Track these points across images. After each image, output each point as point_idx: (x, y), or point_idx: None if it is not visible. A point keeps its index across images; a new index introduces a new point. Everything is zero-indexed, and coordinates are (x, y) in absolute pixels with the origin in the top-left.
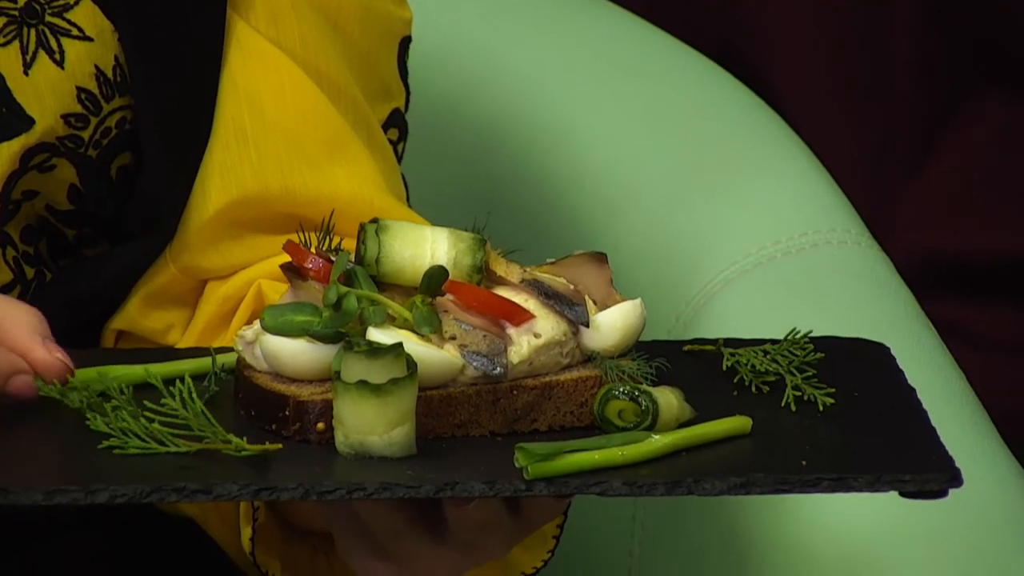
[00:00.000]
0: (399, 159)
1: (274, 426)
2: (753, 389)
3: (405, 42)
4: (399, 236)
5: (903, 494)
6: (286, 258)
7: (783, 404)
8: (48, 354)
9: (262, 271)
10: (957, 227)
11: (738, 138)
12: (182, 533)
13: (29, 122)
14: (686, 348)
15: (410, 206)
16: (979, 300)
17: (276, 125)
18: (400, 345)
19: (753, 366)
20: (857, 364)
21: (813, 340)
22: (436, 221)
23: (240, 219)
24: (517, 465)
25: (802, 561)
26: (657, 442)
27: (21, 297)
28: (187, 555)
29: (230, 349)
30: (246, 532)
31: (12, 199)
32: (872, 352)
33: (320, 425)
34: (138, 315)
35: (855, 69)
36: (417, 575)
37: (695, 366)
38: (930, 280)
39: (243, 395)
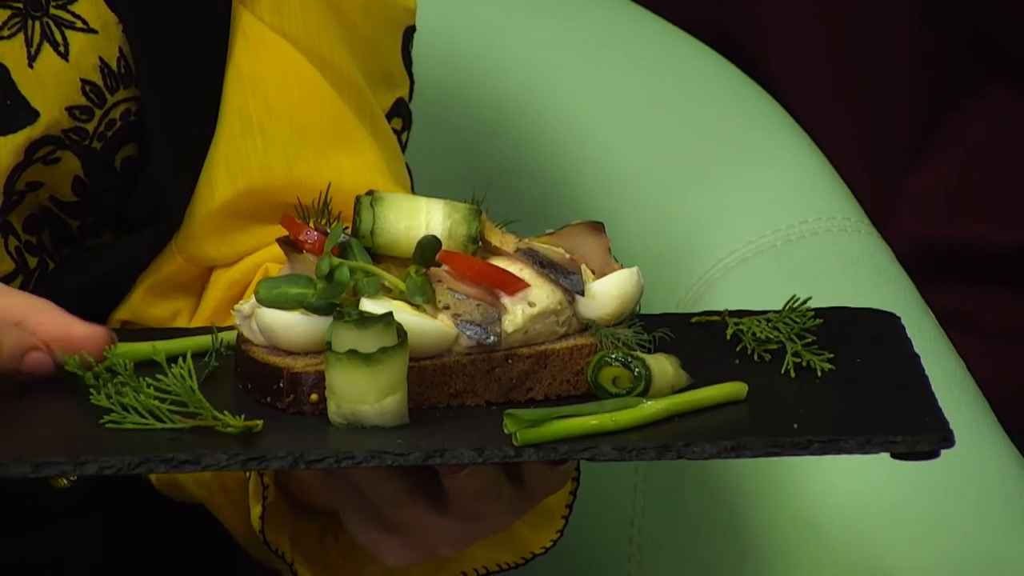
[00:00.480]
0: (403, 148)
1: (269, 398)
2: (755, 357)
3: (409, 31)
4: (394, 207)
5: (894, 455)
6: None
7: (783, 371)
8: (88, 327)
9: (268, 255)
10: (957, 216)
11: (738, 126)
12: (186, 520)
13: (34, 114)
14: (694, 320)
15: (414, 192)
16: (979, 288)
17: (281, 113)
18: (390, 314)
19: (755, 334)
20: (864, 332)
21: (822, 310)
22: None
23: (246, 209)
24: (506, 431)
25: (803, 540)
26: (649, 408)
27: (24, 287)
28: (191, 541)
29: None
30: (256, 510)
31: (16, 190)
32: (881, 321)
33: (314, 396)
34: (143, 304)
35: (854, 60)
36: (422, 546)
37: (699, 336)
38: (930, 268)
39: (240, 369)
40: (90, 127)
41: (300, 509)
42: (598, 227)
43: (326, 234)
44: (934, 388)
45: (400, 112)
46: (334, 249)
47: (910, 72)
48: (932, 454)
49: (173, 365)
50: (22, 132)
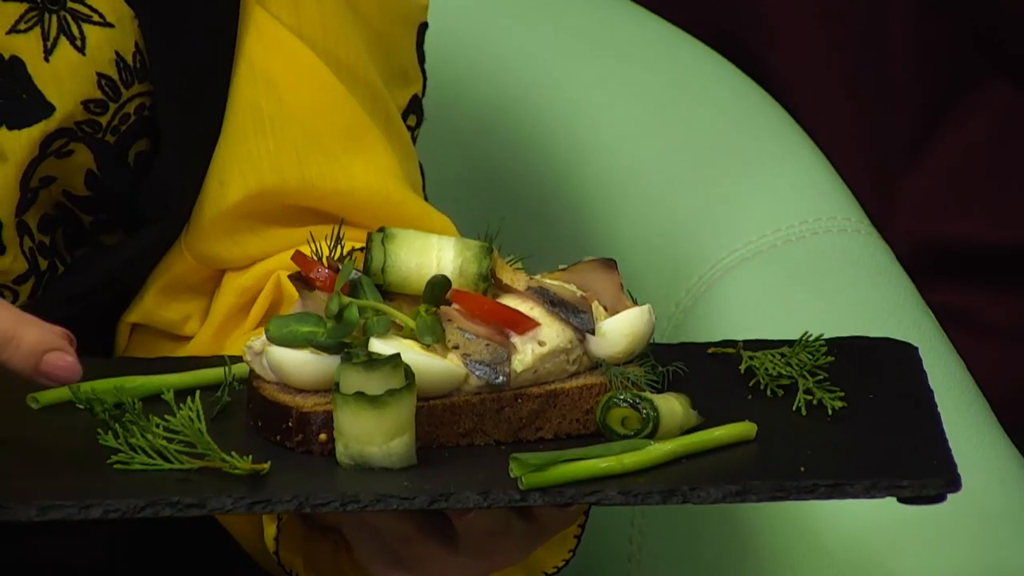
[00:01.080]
0: (414, 144)
1: (279, 437)
2: (768, 393)
3: (422, 28)
4: (405, 245)
5: (901, 500)
6: (305, 250)
7: (794, 408)
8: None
9: (280, 263)
10: (957, 215)
11: (739, 126)
12: (193, 525)
13: (49, 108)
14: (710, 351)
15: (425, 192)
16: (979, 288)
17: (293, 115)
18: (398, 356)
19: (767, 369)
20: (880, 365)
21: (839, 340)
22: (439, 206)
23: (257, 211)
24: (512, 475)
25: (803, 540)
26: (656, 450)
27: (34, 289)
28: (197, 545)
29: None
30: (270, 531)
31: (31, 187)
32: (898, 352)
33: (322, 436)
34: (155, 306)
35: (855, 58)
36: None
37: (714, 369)
38: (930, 268)
39: (252, 405)
40: (104, 120)
41: (312, 527)
42: (610, 264)
43: (337, 270)
44: (934, 389)
45: (415, 109)
46: (344, 287)
47: (910, 70)
48: (938, 498)
49: (182, 404)
50: (37, 126)
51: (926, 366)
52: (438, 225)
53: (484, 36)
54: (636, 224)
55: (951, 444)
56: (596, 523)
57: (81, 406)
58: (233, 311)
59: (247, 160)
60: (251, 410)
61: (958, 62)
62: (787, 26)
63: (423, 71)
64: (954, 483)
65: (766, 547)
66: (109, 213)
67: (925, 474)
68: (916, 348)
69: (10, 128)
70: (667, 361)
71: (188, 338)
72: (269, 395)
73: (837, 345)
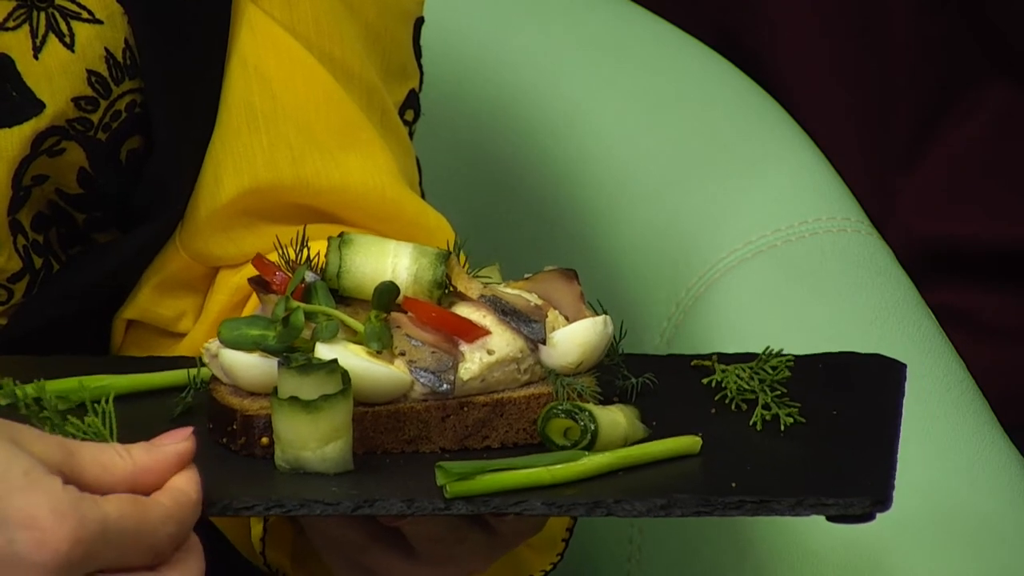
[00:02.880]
0: (411, 138)
1: (224, 440)
2: (733, 407)
3: (419, 22)
4: (362, 250)
5: (830, 518)
6: (272, 256)
7: (751, 423)
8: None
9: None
10: (957, 214)
11: (738, 126)
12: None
13: (40, 106)
14: (693, 363)
15: (422, 187)
16: (979, 287)
17: (288, 112)
18: (335, 361)
19: (734, 382)
20: (859, 381)
21: (830, 355)
22: (440, 205)
23: (252, 208)
24: (438, 483)
25: (803, 540)
26: (589, 462)
27: (30, 287)
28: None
29: None
30: (256, 531)
31: (23, 185)
32: (885, 370)
33: (264, 440)
34: (149, 303)
35: (855, 58)
36: None
37: (685, 383)
38: (930, 267)
39: (207, 408)
40: (95, 118)
41: (301, 527)
42: (570, 274)
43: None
44: (933, 388)
45: (412, 103)
46: (297, 292)
47: (910, 69)
48: (866, 517)
49: (96, 405)
50: (28, 124)
51: (926, 366)
52: (433, 222)
53: (484, 36)
54: (636, 223)
55: (950, 444)
56: (596, 523)
57: (2, 401)
58: (227, 309)
59: (241, 157)
60: (207, 412)
61: (958, 61)
62: (787, 26)
63: (420, 66)
64: (883, 502)
65: (766, 547)
66: (102, 211)
67: (853, 493)
68: (905, 366)
69: (0, 126)
70: (640, 372)
71: (183, 335)
72: (220, 397)
73: (822, 360)
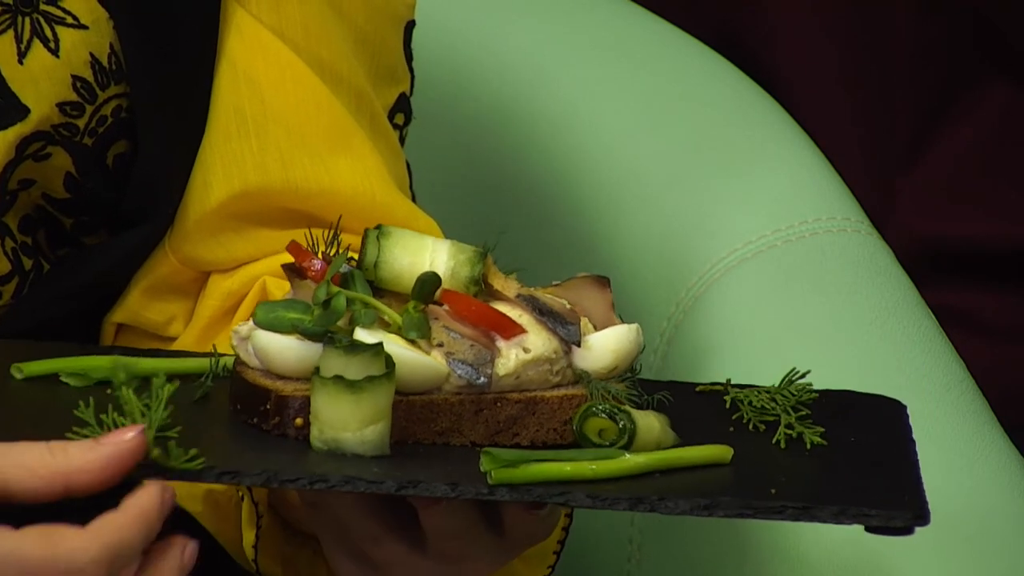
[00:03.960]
0: (403, 143)
1: (255, 419)
2: (751, 427)
3: (410, 26)
4: (400, 243)
5: (868, 529)
6: (291, 257)
7: (774, 441)
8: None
9: (267, 268)
10: (957, 214)
11: (738, 126)
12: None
13: (24, 111)
14: (699, 388)
15: (413, 191)
16: (979, 287)
17: (277, 116)
18: (380, 344)
19: (752, 403)
20: (866, 415)
21: (829, 393)
22: (437, 207)
23: (242, 212)
24: (482, 469)
25: (803, 540)
26: (629, 460)
27: (19, 288)
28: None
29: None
30: (248, 537)
31: (9, 189)
32: (886, 408)
33: (298, 420)
34: (139, 307)
35: (855, 58)
36: None
37: (700, 404)
38: (930, 267)
39: (234, 390)
40: (81, 123)
41: (292, 534)
42: (603, 281)
43: (331, 263)
44: (933, 389)
45: (403, 107)
46: (335, 278)
47: (910, 70)
48: (906, 530)
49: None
50: (12, 129)
51: (926, 366)
52: (424, 227)
53: (484, 36)
54: (636, 224)
55: (950, 444)
56: (596, 523)
57: (71, 381)
58: (218, 314)
59: (231, 161)
60: (233, 394)
61: (958, 61)
62: (787, 26)
63: (411, 69)
64: (922, 517)
65: (766, 547)
66: (90, 215)
67: (894, 506)
68: (905, 406)
69: None
70: (653, 391)
71: (172, 339)
72: (251, 378)
73: (824, 396)
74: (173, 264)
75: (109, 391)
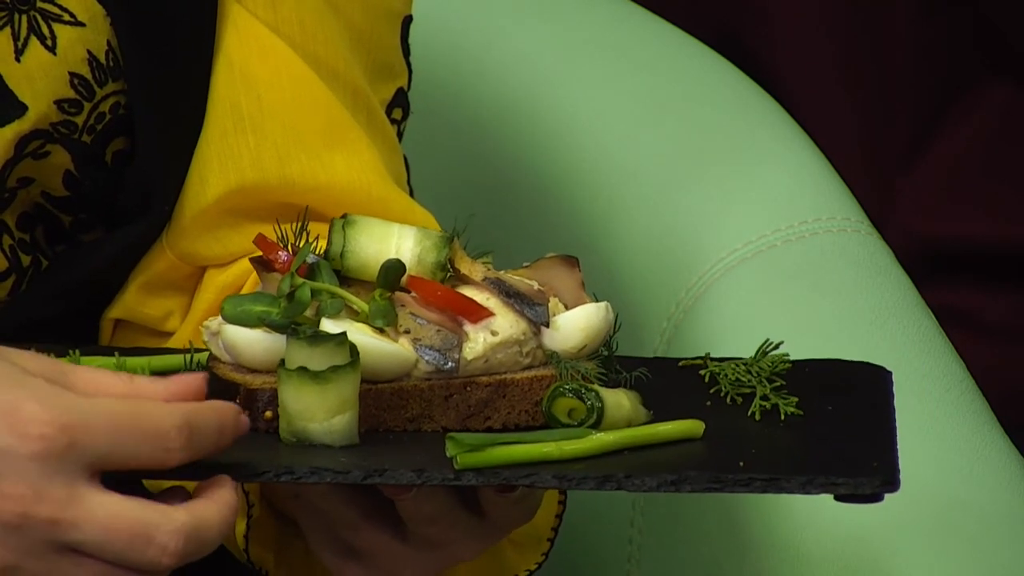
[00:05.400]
0: (400, 137)
1: None
2: (728, 400)
3: (407, 21)
4: (365, 231)
5: (838, 498)
6: (270, 234)
7: (749, 413)
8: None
9: None
10: (957, 215)
11: (738, 126)
12: None
13: (22, 108)
14: (681, 364)
15: (411, 186)
16: (979, 287)
17: (273, 112)
18: (343, 334)
19: (727, 375)
20: (850, 384)
21: (818, 362)
22: (435, 207)
23: (238, 207)
24: (448, 454)
25: (803, 539)
26: (596, 440)
27: (16, 285)
28: None
29: None
30: (240, 528)
31: (7, 187)
32: (872, 376)
33: (268, 413)
34: (136, 303)
35: (855, 58)
36: (383, 572)
37: (679, 380)
38: (929, 267)
39: (209, 386)
40: (79, 120)
41: (285, 524)
42: (571, 261)
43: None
44: (933, 389)
45: (400, 102)
46: (302, 270)
47: (910, 70)
48: (874, 497)
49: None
50: (10, 126)
51: (926, 366)
52: (420, 220)
53: (484, 36)
54: (636, 224)
55: (950, 444)
56: (595, 522)
57: None
58: (214, 308)
59: (228, 157)
60: (208, 391)
61: (958, 61)
62: (787, 26)
63: (408, 64)
64: (891, 483)
65: (766, 547)
66: (88, 213)
67: (862, 473)
68: (891, 373)
69: None
70: (633, 369)
71: (170, 334)
72: (222, 373)
73: (814, 366)
74: (170, 260)
75: None
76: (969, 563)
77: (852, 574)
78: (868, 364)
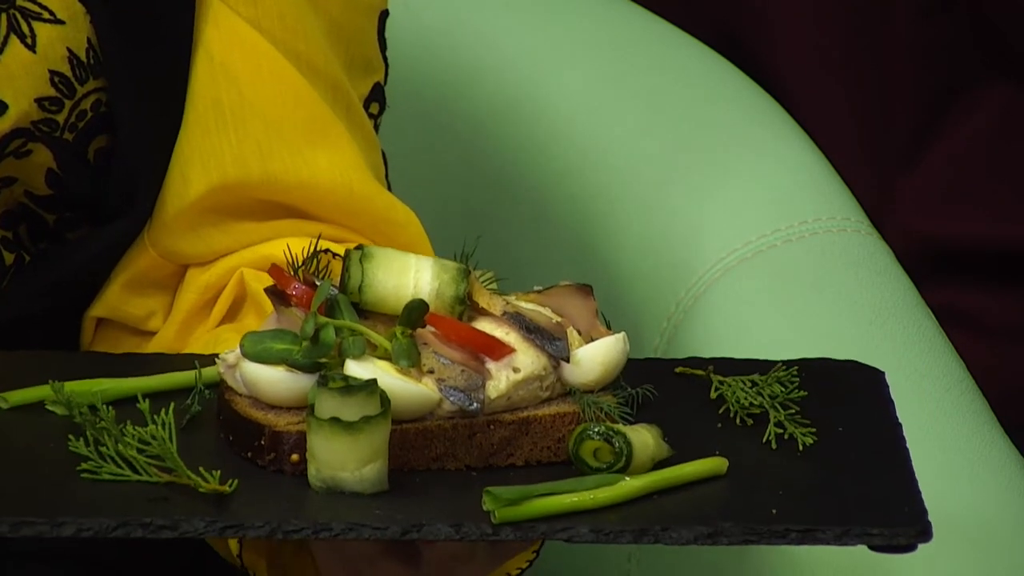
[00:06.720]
0: (377, 131)
1: (250, 454)
2: (737, 421)
3: (383, 15)
4: (383, 265)
5: (872, 547)
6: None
7: (764, 440)
8: None
9: (244, 260)
10: (957, 215)
11: (737, 126)
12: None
13: (2, 107)
14: (678, 370)
15: (388, 179)
16: (979, 287)
17: (255, 108)
18: (374, 382)
19: (738, 399)
20: (847, 392)
21: (806, 362)
22: (433, 208)
23: (220, 205)
24: (485, 509)
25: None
26: (627, 486)
27: None
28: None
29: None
30: None
31: None
32: (865, 378)
33: (294, 456)
34: (119, 301)
35: (855, 58)
36: None
37: (683, 394)
38: (930, 267)
39: (223, 418)
40: (60, 118)
41: None
42: (586, 290)
43: (313, 285)
44: (933, 389)
45: (377, 97)
46: (321, 306)
47: (910, 70)
48: (909, 548)
49: (155, 416)
50: None
51: (926, 366)
52: (403, 217)
53: (484, 36)
54: (636, 224)
55: (950, 444)
56: None
57: (57, 410)
58: (196, 308)
59: (209, 154)
60: (222, 423)
61: (958, 61)
62: (787, 26)
63: (385, 59)
64: (925, 533)
65: (765, 548)
66: (72, 211)
67: (897, 523)
68: (883, 373)
69: None
70: (634, 377)
71: (152, 333)
72: (242, 410)
73: (803, 367)
74: (153, 258)
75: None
76: (969, 563)
77: (851, 574)
78: (859, 364)
